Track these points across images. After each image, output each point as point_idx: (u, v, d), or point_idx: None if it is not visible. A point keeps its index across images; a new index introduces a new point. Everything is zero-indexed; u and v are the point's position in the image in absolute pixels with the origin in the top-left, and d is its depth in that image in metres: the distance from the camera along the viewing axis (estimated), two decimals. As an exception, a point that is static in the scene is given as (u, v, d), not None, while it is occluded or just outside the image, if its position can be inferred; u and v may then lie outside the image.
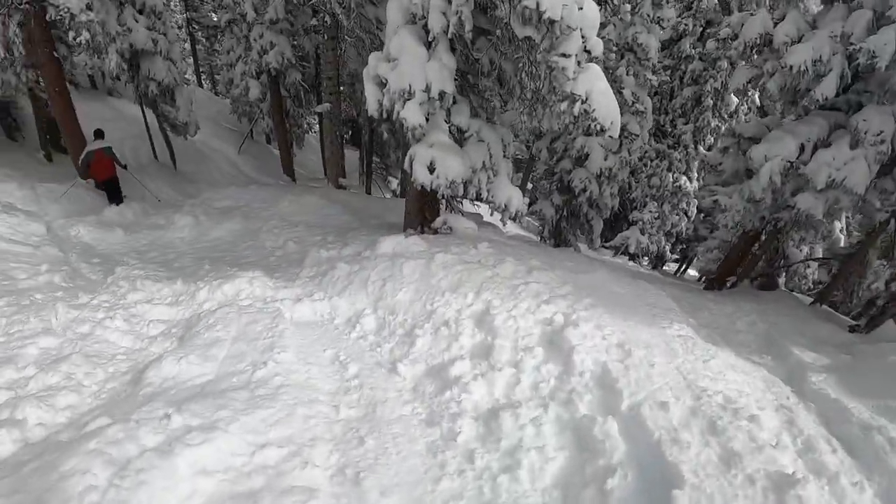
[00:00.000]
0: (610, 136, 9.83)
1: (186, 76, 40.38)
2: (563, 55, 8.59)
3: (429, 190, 9.73)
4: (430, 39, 9.30)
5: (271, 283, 8.88)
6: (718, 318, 11.05)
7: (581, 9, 8.28)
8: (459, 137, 10.60)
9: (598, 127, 9.60)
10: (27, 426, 5.90)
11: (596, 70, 9.29)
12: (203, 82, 40.97)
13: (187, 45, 39.40)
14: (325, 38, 15.51)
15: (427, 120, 9.55)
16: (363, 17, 13.96)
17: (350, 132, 28.27)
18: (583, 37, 8.70)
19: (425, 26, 9.29)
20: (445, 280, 8.16)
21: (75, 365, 6.97)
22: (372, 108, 9.71)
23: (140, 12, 18.34)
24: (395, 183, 22.87)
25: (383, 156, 22.15)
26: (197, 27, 38.07)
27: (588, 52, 9.13)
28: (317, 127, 27.41)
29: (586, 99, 9.25)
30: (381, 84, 9.63)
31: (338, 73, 15.97)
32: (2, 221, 12.74)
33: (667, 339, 7.59)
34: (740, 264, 14.69)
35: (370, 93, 9.71)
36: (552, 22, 8.12)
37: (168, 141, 20.53)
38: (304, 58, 22.39)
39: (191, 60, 40.33)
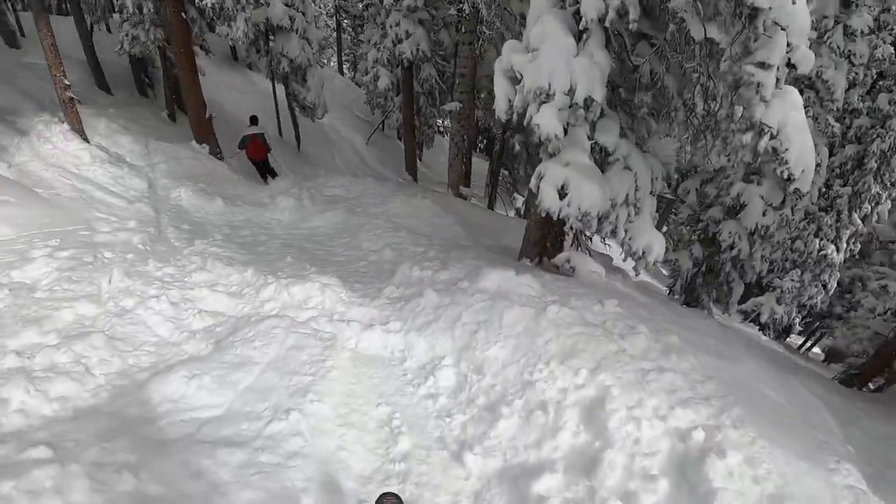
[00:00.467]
0: (796, 190, 7.45)
1: (330, 63, 40.75)
2: (762, 65, 6.44)
3: (555, 218, 7.86)
4: (580, 29, 7.43)
5: (346, 295, 7.36)
6: (873, 441, 8.38)
7: (794, 2, 6.09)
8: (601, 160, 8.64)
9: (786, 173, 7.40)
10: (6, 410, 4.68)
11: (794, 96, 7.08)
12: (345, 70, 41.05)
13: (334, 34, 39.66)
14: (464, 30, 14.00)
15: (565, 131, 7.69)
16: (507, 11, 12.34)
17: (485, 141, 26.84)
18: (788, 44, 6.49)
19: (577, 12, 7.42)
20: (555, 343, 6.03)
21: (93, 347, 5.79)
22: (500, 107, 7.99)
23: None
24: (520, 200, 21.05)
25: (512, 169, 20.44)
26: (344, 15, 38.01)
27: (793, 66, 6.92)
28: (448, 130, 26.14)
29: (777, 133, 7.06)
30: (515, 80, 7.90)
31: (474, 72, 14.48)
32: (105, 171, 12.19)
33: (834, 492, 5.22)
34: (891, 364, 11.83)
35: (500, 89, 8.00)
36: (753, 15, 6.03)
37: (295, 120, 19.92)
38: (445, 58, 21.12)
39: (335, 47, 40.53)
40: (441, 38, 17.19)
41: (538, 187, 7.82)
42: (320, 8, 35.14)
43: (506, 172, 20.92)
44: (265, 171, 15.93)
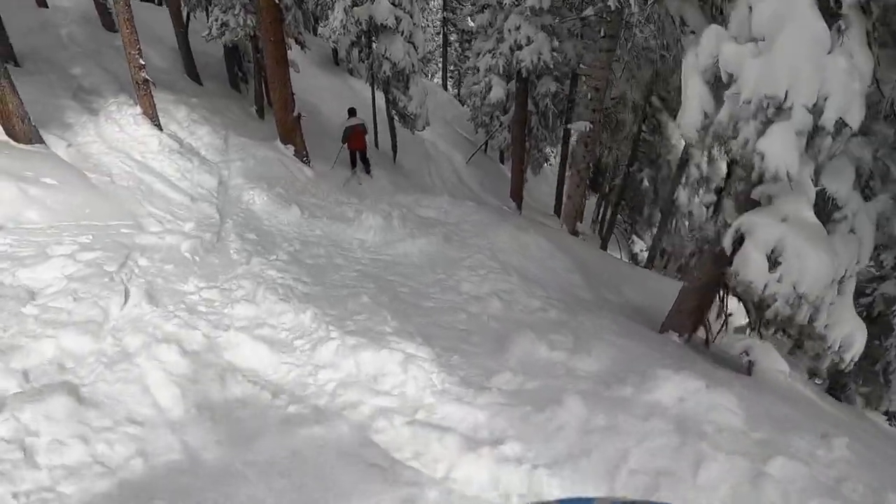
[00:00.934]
0: None
1: (433, 79, 39.17)
2: None
3: (757, 296, 5.28)
4: (839, 11, 4.90)
5: (439, 377, 4.79)
6: None
7: None
8: (826, 212, 6.01)
9: None
10: None
11: None
12: (449, 87, 39.37)
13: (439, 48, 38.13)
14: (603, 34, 11.56)
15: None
16: (668, 13, 9.95)
17: (592, 174, 24.30)
18: None
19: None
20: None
21: (49, 417, 3.68)
22: (690, 121, 5.52)
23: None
24: (639, 244, 18.27)
25: (633, 208, 17.79)
26: (452, 29, 36.27)
27: None
28: (554, 159, 23.70)
29: None
30: (719, 83, 5.40)
31: (606, 87, 12.10)
32: (173, 162, 10.58)
33: None
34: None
35: (692, 94, 5.53)
36: None
37: (393, 130, 18.11)
38: (559, 78, 18.68)
39: (440, 62, 38.94)
40: (565, 49, 14.83)
41: (736, 248, 5.30)
42: (426, 20, 33.54)
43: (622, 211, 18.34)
44: (363, 160, 15.41)
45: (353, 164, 15.18)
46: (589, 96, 11.63)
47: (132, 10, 10.31)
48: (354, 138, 14.70)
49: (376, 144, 18.75)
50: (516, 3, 13.58)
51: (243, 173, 11.62)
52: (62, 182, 8.25)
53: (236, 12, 13.81)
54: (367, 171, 15.43)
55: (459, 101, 31.87)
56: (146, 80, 10.65)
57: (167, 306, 5.71)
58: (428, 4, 29.24)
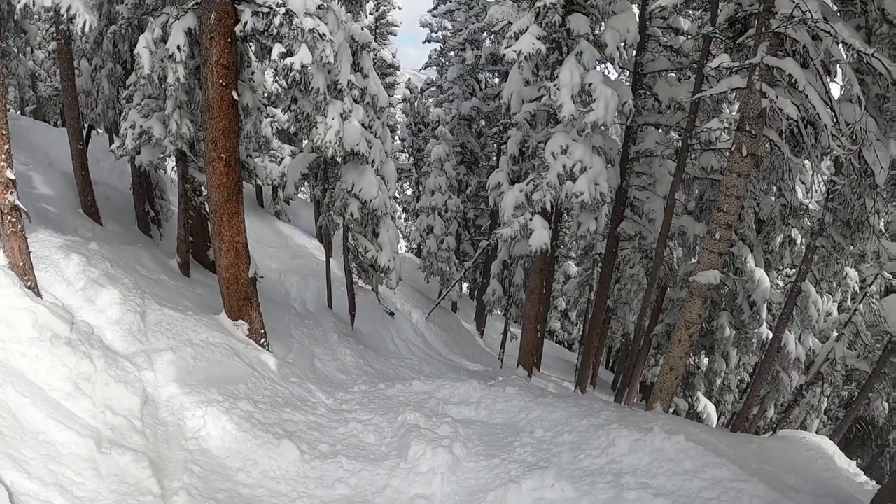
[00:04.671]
0: None
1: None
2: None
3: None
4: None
5: None
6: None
7: None
8: None
9: None
10: None
11: None
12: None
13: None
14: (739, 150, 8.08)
15: None
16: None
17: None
18: None
19: None
20: None
21: None
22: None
23: (356, 101, 12.33)
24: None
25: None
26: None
27: None
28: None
29: None
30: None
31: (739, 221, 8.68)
32: (57, 361, 5.95)
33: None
34: None
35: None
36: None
37: (351, 287, 13.69)
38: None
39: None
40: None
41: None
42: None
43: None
44: None
45: None
46: (717, 236, 8.08)
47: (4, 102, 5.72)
48: None
49: (329, 305, 14.23)
50: (576, 116, 10.03)
51: (179, 375, 6.82)
52: None
53: (167, 112, 9.35)
54: None
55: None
56: (15, 208, 5.87)
57: None
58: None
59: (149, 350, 6.98)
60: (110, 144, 12.50)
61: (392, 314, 16.30)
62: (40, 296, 6.31)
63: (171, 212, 12.95)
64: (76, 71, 12.36)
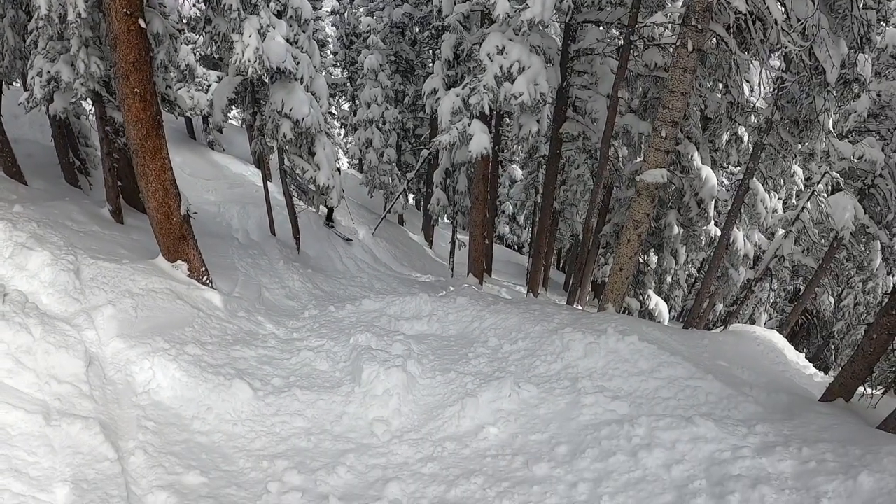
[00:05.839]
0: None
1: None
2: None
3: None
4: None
5: None
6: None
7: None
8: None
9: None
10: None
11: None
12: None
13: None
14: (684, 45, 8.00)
15: None
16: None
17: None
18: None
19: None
20: None
21: None
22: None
23: (279, 15, 11.75)
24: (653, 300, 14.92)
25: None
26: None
27: None
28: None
29: None
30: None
31: (685, 120, 8.64)
32: None
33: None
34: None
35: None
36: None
37: (293, 210, 13.52)
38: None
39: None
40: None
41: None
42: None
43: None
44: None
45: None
46: (663, 133, 8.11)
47: None
48: None
49: (272, 231, 14.11)
50: (510, 14, 9.61)
51: (122, 329, 6.78)
52: None
53: (73, 53, 8.75)
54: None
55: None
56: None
57: None
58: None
59: (87, 308, 6.87)
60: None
61: (349, 240, 16.34)
62: (-35, 272, 6.11)
63: (98, 159, 12.36)
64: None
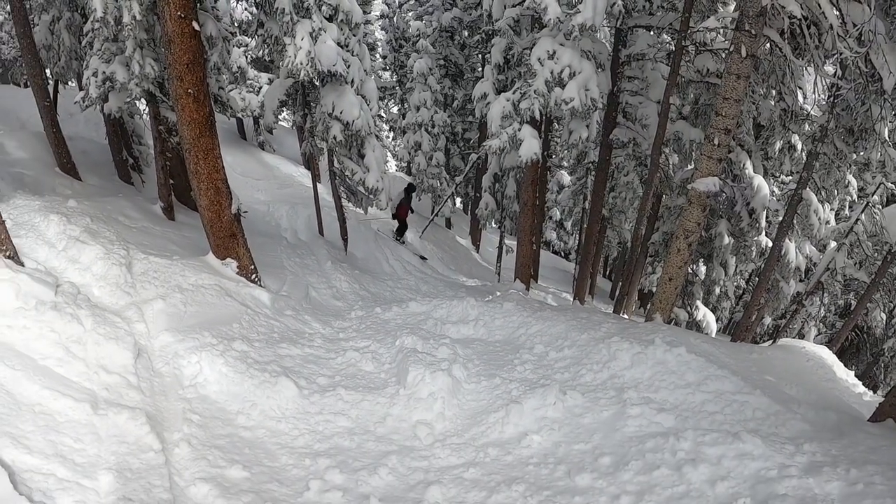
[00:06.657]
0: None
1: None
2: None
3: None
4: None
5: None
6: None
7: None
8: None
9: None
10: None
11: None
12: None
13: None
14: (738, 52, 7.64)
15: None
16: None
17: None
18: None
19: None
20: None
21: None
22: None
23: (329, 19, 11.74)
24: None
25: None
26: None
27: None
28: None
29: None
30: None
31: (737, 128, 8.25)
32: (44, 327, 5.83)
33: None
34: None
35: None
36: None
37: (341, 211, 13.51)
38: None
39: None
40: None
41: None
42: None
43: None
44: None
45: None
46: (716, 141, 7.80)
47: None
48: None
49: (321, 232, 14.14)
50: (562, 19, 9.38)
51: (170, 323, 6.79)
52: None
53: (128, 54, 8.91)
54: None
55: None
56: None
57: None
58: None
59: (138, 301, 6.92)
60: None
61: (424, 259, 16.31)
62: (21, 263, 6.17)
63: (152, 157, 12.64)
64: (34, 26, 11.78)
